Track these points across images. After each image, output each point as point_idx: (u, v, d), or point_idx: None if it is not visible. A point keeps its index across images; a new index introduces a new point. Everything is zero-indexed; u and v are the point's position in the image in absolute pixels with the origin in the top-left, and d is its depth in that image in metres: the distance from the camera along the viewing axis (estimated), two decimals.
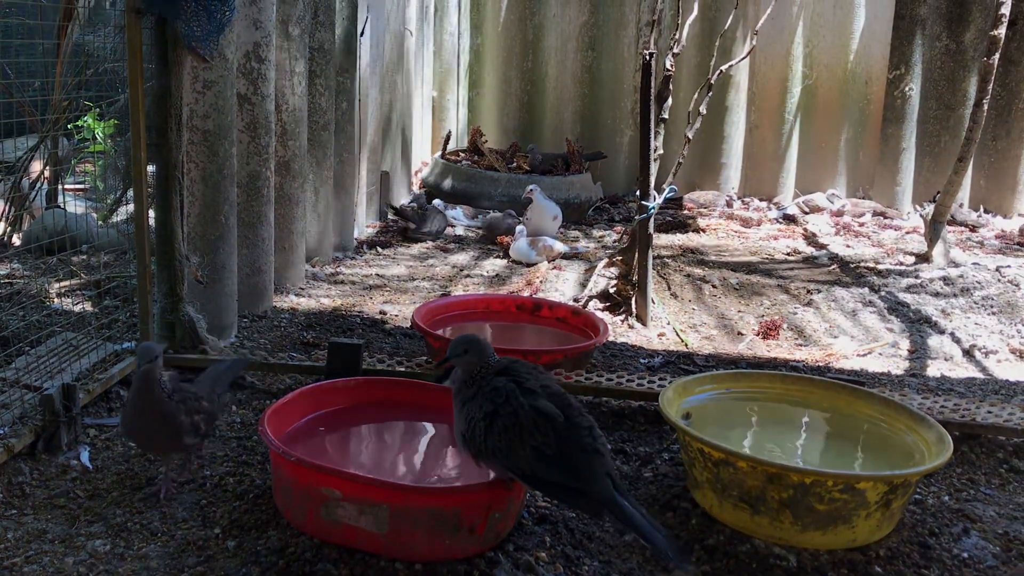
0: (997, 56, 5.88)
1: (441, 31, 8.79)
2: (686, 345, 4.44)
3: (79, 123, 5.62)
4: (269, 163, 4.36)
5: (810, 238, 7.26)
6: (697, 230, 7.34)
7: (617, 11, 8.55)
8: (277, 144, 4.62)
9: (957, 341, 4.65)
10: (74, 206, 5.72)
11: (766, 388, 3.15)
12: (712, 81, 4.68)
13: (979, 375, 4.25)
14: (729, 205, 8.31)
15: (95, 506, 2.62)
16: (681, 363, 4.10)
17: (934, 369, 4.30)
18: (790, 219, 7.90)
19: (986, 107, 5.97)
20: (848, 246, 6.99)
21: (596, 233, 7.23)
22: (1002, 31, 5.82)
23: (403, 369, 3.52)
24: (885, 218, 8.00)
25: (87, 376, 3.24)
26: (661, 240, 6.80)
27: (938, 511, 2.84)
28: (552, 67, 8.80)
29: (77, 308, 4.22)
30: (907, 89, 8.07)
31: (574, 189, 7.54)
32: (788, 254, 6.65)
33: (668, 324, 4.73)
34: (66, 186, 6.09)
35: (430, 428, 2.96)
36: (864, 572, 2.48)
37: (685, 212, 7.85)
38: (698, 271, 5.92)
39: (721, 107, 8.36)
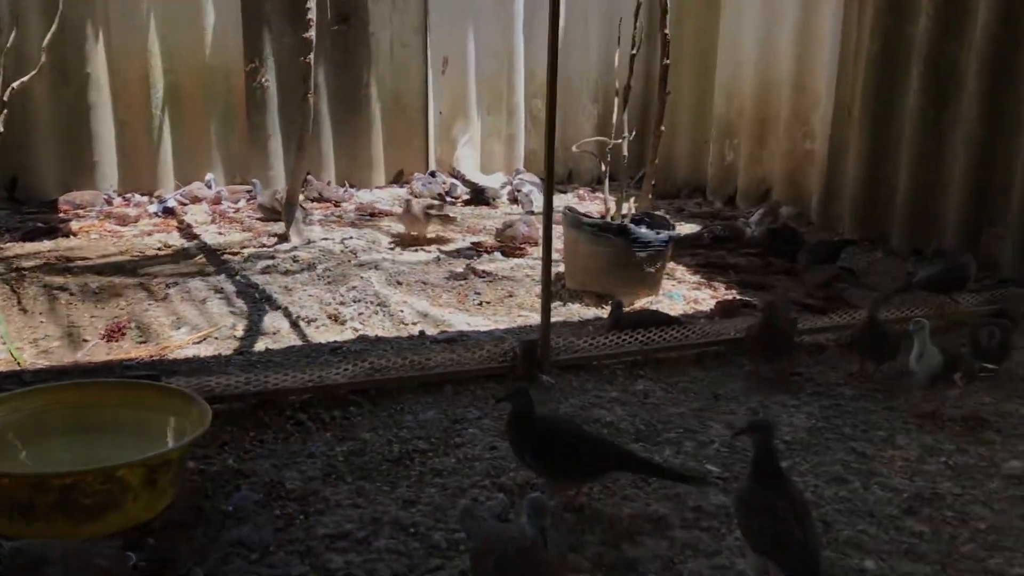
0: (312, 55, 6.72)
1: None
2: (19, 364, 4.44)
3: None
4: None
5: (184, 230, 7.54)
6: (68, 234, 7.17)
7: None
8: None
9: (288, 315, 5.32)
10: None
11: (63, 399, 3.36)
12: (5, 99, 4.68)
13: (299, 342, 4.94)
14: (109, 203, 8.20)
15: None
16: (6, 384, 4.11)
17: (261, 344, 4.89)
18: (170, 212, 8.08)
19: (312, 103, 6.81)
20: (221, 233, 7.41)
21: None
22: (312, 33, 6.68)
23: None
24: None
25: None
26: (24, 249, 6.57)
27: (219, 474, 3.34)
28: None
29: None
30: (264, 81, 8.71)
31: None
32: (159, 249, 6.87)
33: (3, 344, 4.67)
34: None
35: None
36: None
37: (60, 215, 7.61)
38: (59, 280, 5.85)
39: (84, 107, 8.20)
